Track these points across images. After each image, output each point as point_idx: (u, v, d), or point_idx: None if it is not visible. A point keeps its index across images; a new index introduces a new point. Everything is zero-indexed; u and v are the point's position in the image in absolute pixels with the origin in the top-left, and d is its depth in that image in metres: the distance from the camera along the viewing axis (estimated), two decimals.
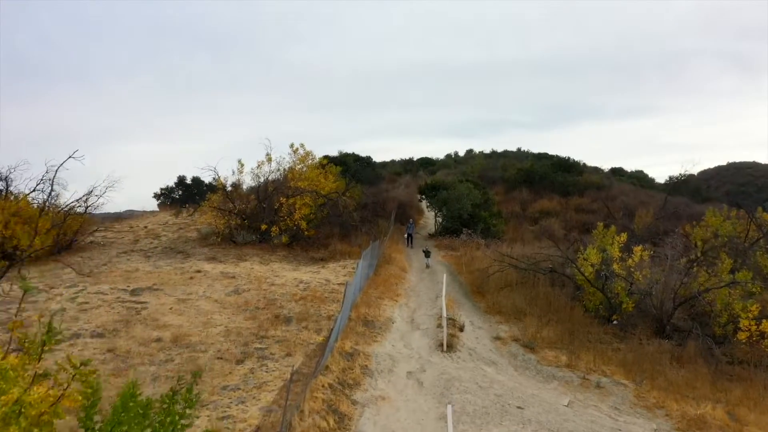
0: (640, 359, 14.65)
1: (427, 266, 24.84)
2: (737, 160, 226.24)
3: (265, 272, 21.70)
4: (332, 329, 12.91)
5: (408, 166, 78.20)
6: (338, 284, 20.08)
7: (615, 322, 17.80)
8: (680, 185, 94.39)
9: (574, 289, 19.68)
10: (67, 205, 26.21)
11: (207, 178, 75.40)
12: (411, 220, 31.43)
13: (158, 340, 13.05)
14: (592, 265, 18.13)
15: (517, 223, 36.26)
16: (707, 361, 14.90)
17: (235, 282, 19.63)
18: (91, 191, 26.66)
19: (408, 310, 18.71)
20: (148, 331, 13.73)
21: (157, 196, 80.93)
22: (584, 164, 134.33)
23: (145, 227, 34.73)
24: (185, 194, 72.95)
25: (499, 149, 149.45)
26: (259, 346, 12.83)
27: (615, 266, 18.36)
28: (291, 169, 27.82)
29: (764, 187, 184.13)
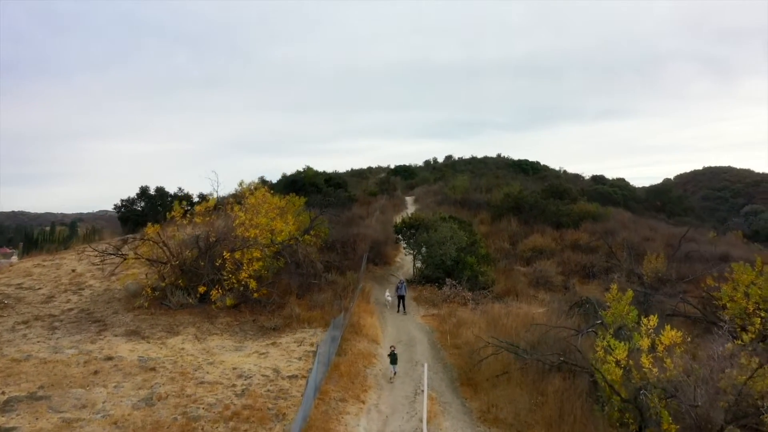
0: None
1: (393, 374, 17.69)
2: (713, 165, 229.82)
3: (198, 356, 17.65)
4: None
5: (384, 185, 74.41)
6: (289, 377, 16.15)
7: None
8: (661, 194, 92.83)
9: (590, 383, 16.05)
10: None
11: (172, 189, 70.89)
12: (402, 279, 26.41)
13: None
14: (617, 363, 14.51)
15: (508, 264, 32.76)
16: None
17: (154, 378, 15.55)
18: None
19: (378, 417, 14.87)
20: None
21: (117, 208, 75.94)
22: (565, 171, 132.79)
23: (73, 270, 30.28)
24: (148, 207, 68.01)
25: (479, 153, 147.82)
26: None
27: (644, 360, 14.77)
28: (238, 209, 23.80)
29: (740, 192, 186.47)
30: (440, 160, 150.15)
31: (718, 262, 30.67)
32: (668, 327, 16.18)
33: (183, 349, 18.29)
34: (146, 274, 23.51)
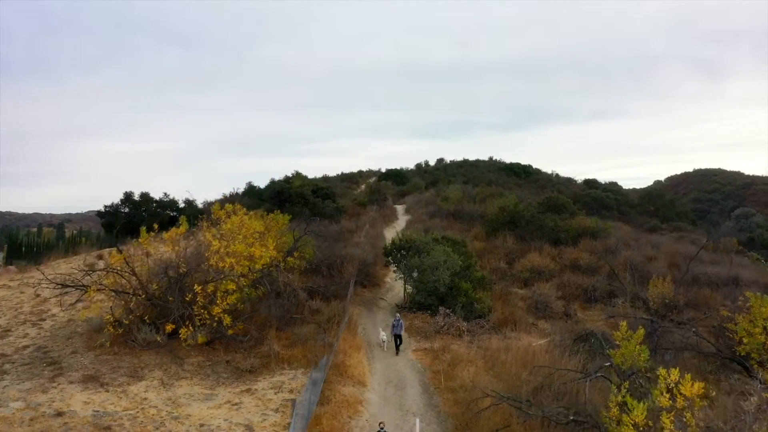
0: None
1: None
2: (703, 167, 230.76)
3: (162, 408, 15.90)
4: None
5: (374, 194, 72.75)
6: None
7: None
8: (654, 198, 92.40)
9: None
10: None
11: (160, 192, 68.52)
12: (398, 317, 23.25)
13: None
14: (635, 426, 12.92)
15: (504, 286, 31.19)
16: None
17: None
18: None
19: None
20: None
21: (101, 214, 73.66)
22: (557, 174, 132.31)
23: (38, 295, 28.41)
24: (132, 213, 65.78)
25: (471, 155, 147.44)
26: None
27: (665, 420, 13.19)
28: (211, 236, 22.04)
29: (730, 195, 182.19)
30: (432, 162, 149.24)
31: (728, 285, 29.30)
32: (689, 377, 14.67)
33: (145, 399, 16.51)
34: (111, 307, 21.68)
